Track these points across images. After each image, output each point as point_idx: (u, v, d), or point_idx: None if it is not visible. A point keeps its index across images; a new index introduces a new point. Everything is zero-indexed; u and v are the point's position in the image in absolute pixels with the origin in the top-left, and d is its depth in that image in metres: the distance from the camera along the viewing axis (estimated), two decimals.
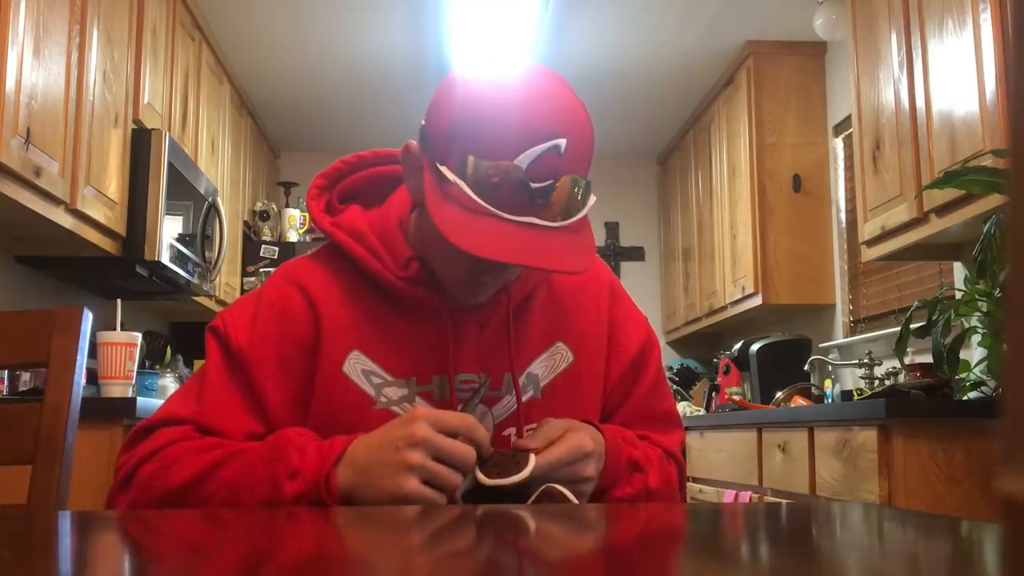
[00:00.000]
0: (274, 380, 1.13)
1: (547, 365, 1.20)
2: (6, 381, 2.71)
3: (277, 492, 1.00)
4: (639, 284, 5.88)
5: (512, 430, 1.16)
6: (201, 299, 4.10)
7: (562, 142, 1.02)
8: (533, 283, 1.22)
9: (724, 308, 4.75)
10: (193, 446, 1.09)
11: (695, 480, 4.03)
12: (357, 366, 1.14)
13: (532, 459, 1.04)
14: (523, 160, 1.01)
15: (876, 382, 3.44)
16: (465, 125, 1.03)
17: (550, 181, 1.02)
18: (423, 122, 1.10)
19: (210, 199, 3.83)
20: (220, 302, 4.38)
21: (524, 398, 1.17)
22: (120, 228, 3.03)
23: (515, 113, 1.02)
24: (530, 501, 1.05)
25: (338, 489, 1.00)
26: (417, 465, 0.98)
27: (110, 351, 2.66)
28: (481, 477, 1.03)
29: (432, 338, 1.15)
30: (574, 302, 1.25)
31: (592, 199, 1.08)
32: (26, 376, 2.78)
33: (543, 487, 1.05)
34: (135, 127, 3.18)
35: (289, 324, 1.16)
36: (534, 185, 1.01)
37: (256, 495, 1.01)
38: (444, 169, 1.04)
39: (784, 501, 2.88)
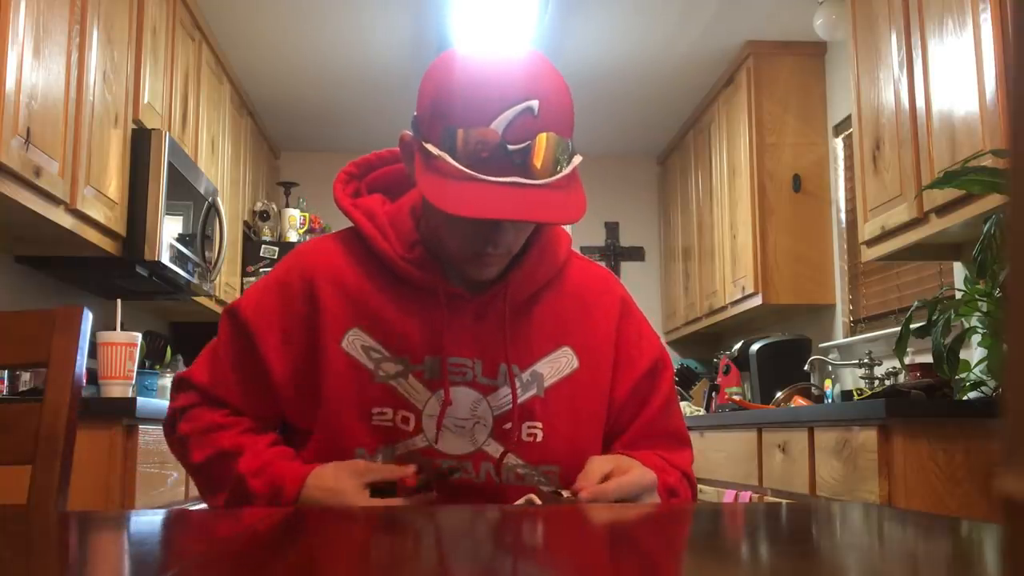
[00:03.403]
0: (277, 350, 1.22)
1: (553, 367, 1.24)
2: (6, 381, 2.71)
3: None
4: (639, 284, 5.87)
5: (509, 424, 1.19)
6: (201, 299, 4.10)
7: (535, 103, 1.08)
8: (542, 281, 1.25)
9: (724, 308, 4.74)
10: (207, 424, 1.24)
11: None
12: (356, 342, 1.20)
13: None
14: (499, 124, 1.07)
15: (876, 382, 3.43)
16: (443, 100, 1.11)
17: (528, 142, 1.07)
18: (415, 112, 1.17)
19: (210, 199, 3.82)
20: (220, 302, 4.37)
21: (527, 395, 1.21)
22: (120, 228, 3.03)
23: (488, 82, 1.10)
24: (518, 502, 1.10)
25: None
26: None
27: (110, 351, 2.66)
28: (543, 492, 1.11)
29: (427, 320, 1.21)
30: (583, 311, 1.28)
31: (578, 158, 1.13)
32: (26, 376, 2.77)
33: (525, 497, 1.11)
34: (135, 127, 3.18)
35: (290, 299, 1.24)
36: (511, 147, 1.07)
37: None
38: (429, 145, 1.11)
39: (784, 501, 2.88)
